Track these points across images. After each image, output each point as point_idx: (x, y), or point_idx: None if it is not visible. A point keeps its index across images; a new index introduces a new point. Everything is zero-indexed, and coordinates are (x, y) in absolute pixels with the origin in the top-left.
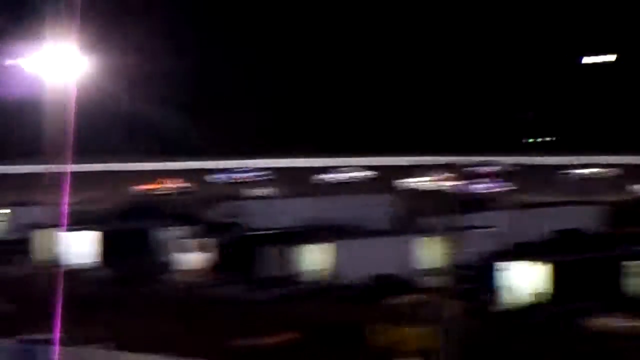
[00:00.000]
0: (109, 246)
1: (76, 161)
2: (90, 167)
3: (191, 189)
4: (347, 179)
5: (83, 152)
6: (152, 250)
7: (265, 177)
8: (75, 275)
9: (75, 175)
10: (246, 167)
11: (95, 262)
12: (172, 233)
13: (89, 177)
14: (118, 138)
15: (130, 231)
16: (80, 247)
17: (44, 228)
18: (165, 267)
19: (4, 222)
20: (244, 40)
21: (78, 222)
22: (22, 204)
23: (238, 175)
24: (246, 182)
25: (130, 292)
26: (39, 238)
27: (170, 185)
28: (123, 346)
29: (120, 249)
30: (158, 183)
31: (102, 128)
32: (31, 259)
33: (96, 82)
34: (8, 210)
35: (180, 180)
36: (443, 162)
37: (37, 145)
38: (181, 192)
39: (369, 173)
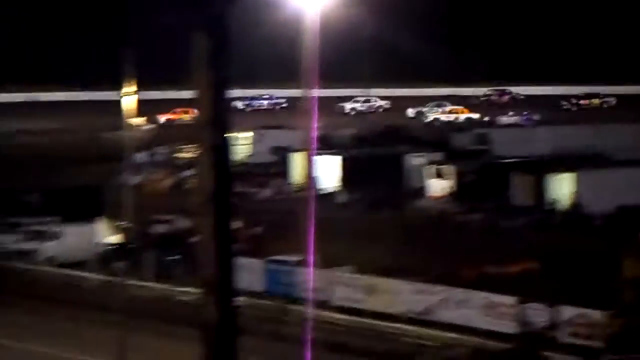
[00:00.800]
0: (357, 171)
1: (325, 87)
2: (338, 92)
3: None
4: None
5: (331, 78)
6: (400, 175)
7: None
8: (324, 199)
9: (322, 100)
10: (267, 95)
11: (343, 186)
12: (420, 159)
13: (335, 103)
14: (366, 64)
15: (378, 156)
16: (329, 171)
17: (292, 152)
18: (413, 193)
19: (249, 146)
20: None
21: (327, 147)
22: (271, 127)
23: (258, 103)
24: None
25: (378, 217)
26: (287, 161)
27: (186, 115)
28: (366, 270)
29: (369, 174)
30: (180, 113)
31: (351, 54)
32: (278, 182)
33: (348, 7)
34: (251, 134)
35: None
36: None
37: (287, 71)
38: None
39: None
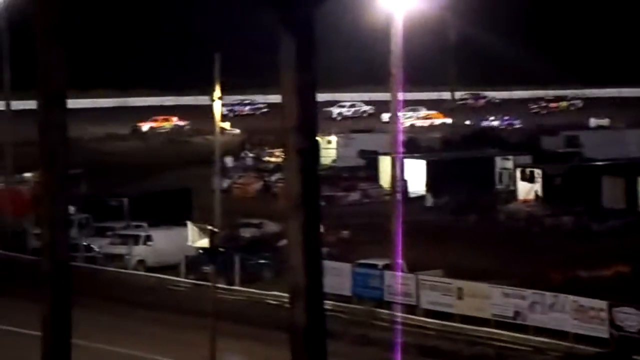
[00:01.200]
0: (445, 174)
1: (410, 90)
2: (426, 95)
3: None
4: None
5: (415, 81)
6: (488, 179)
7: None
8: (412, 202)
9: (409, 103)
10: (247, 101)
11: (431, 189)
12: (508, 162)
13: (422, 105)
14: (451, 66)
15: (466, 159)
16: (417, 174)
17: (380, 155)
18: (501, 196)
19: (335, 150)
20: None
21: (414, 150)
22: (358, 131)
23: (240, 108)
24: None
25: (466, 220)
26: (374, 165)
27: (175, 122)
28: (455, 273)
29: (456, 177)
30: (162, 121)
31: (435, 56)
32: (366, 185)
33: (431, 9)
34: (335, 138)
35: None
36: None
37: (368, 73)
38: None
39: None
